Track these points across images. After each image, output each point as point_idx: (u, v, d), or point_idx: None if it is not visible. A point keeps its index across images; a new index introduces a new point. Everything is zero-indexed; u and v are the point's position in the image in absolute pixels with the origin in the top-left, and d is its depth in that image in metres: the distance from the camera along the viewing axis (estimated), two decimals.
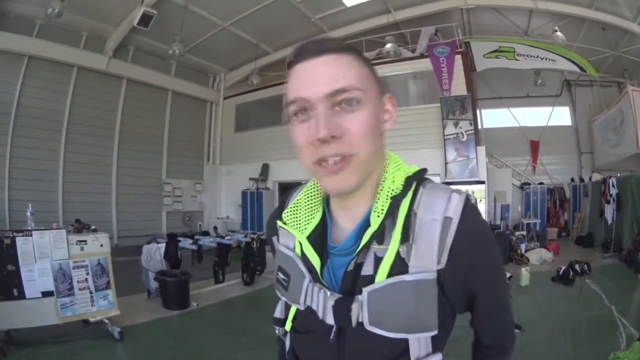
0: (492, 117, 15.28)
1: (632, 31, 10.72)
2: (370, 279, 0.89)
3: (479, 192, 10.48)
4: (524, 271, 8.00)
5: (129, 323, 5.30)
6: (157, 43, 11.85)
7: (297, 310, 1.04)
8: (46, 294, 4.61)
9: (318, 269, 0.95)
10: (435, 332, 0.88)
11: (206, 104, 15.35)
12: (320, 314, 0.95)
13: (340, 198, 0.96)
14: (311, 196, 1.04)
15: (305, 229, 0.98)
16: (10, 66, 9.81)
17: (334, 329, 0.93)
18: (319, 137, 0.82)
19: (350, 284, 0.92)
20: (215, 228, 11.56)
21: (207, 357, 4.58)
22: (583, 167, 14.55)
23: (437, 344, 0.92)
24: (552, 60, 11.52)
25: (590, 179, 13.04)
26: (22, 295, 4.46)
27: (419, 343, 0.89)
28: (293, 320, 1.07)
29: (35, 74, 10.19)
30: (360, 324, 0.89)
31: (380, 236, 0.87)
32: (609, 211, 10.66)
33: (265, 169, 13.51)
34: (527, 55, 11.56)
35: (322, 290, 0.94)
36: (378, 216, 0.88)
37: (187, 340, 5.03)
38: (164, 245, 6.75)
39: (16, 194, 9.63)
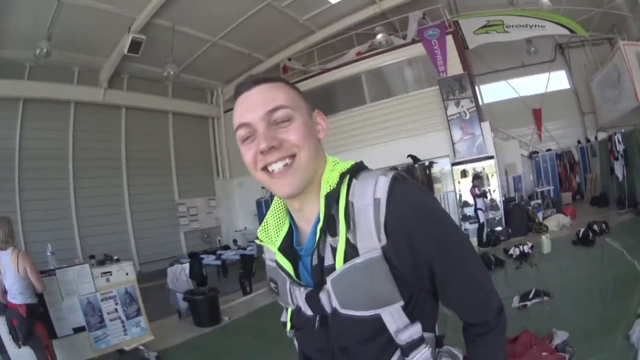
0: (492, 92, 15.34)
1: None
2: (333, 268, 0.99)
3: (489, 168, 10.52)
4: (544, 239, 8.07)
5: (164, 346, 5.39)
6: (150, 67, 11.93)
7: (292, 310, 1.17)
8: (78, 330, 4.73)
9: (291, 272, 1.09)
10: (401, 303, 0.97)
11: (208, 120, 15.50)
12: (303, 309, 1.09)
13: (292, 202, 1.08)
14: (277, 212, 1.19)
15: (276, 241, 1.13)
16: (6, 111, 9.90)
17: (317, 319, 1.07)
18: (261, 149, 0.97)
19: (319, 277, 1.03)
20: (234, 241, 11.68)
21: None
22: (587, 128, 14.57)
23: (426, 322, 1.02)
24: (541, 26, 11.53)
25: (595, 138, 13.04)
26: (54, 335, 4.51)
27: (392, 317, 0.98)
28: (291, 320, 1.20)
29: (32, 116, 10.30)
30: (335, 310, 1.01)
31: (333, 229, 1.00)
32: (619, 167, 10.68)
33: None
34: (516, 26, 11.61)
35: (299, 288, 1.08)
36: (322, 213, 0.99)
37: (225, 355, 5.08)
38: (187, 265, 6.83)
39: (31, 236, 9.63)
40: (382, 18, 12.09)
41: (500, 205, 10.59)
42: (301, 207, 1.07)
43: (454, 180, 10.86)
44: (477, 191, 9.55)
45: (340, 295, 0.99)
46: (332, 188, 1.01)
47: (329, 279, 0.99)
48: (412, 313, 0.99)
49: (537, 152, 14.30)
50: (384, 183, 0.96)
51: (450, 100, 10.72)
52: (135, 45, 9.94)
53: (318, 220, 1.01)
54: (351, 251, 0.97)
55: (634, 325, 3.60)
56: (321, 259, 1.02)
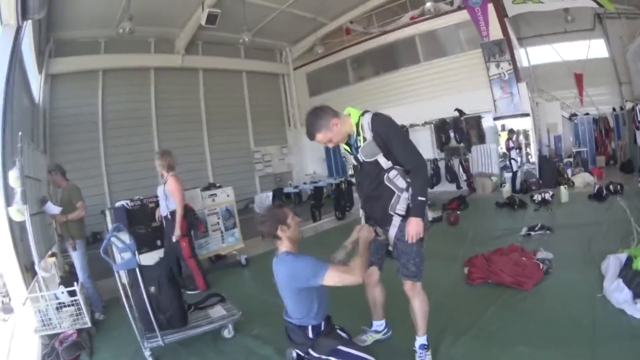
0: (538, 54, 15.57)
1: None
2: (359, 146, 2.94)
3: (526, 123, 11.68)
4: (563, 189, 9.31)
5: (250, 254, 7.17)
6: (224, 34, 13.31)
7: (353, 165, 3.17)
8: None
9: (350, 150, 3.05)
10: (382, 154, 2.84)
11: (278, 77, 17.08)
12: (354, 162, 3.07)
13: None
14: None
15: (345, 144, 3.09)
16: (89, 81, 11.62)
17: (359, 165, 3.05)
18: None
19: (356, 150, 2.97)
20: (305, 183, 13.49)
21: None
22: (624, 98, 14.32)
23: (395, 161, 2.87)
24: None
25: (622, 108, 13.45)
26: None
27: (384, 160, 2.86)
28: (353, 168, 3.24)
29: (115, 83, 12.07)
30: (363, 160, 2.95)
31: (357, 132, 2.94)
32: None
33: None
34: None
35: (352, 155, 3.04)
36: (356, 132, 2.94)
37: None
38: (271, 193, 8.69)
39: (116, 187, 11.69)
40: None
41: (535, 159, 11.68)
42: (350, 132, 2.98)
43: (496, 133, 12.03)
44: (511, 144, 10.83)
45: (363, 154, 2.90)
46: (355, 121, 2.90)
47: (360, 150, 2.89)
48: (387, 158, 2.84)
49: (576, 115, 14.63)
50: (370, 116, 2.86)
51: (492, 62, 11.73)
52: (211, 18, 11.30)
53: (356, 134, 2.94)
54: (364, 140, 2.87)
55: (606, 258, 4.48)
56: (358, 146, 2.94)
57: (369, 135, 2.83)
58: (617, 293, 3.69)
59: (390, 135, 2.83)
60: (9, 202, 4.38)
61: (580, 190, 10.17)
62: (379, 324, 3.53)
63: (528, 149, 11.67)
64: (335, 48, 15.69)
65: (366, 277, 3.10)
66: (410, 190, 2.85)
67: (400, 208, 2.88)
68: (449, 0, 12.85)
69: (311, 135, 2.94)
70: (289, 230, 2.75)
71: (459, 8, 12.37)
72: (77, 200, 5.21)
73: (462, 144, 12.37)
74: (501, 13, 11.85)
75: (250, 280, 6.25)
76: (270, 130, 16.42)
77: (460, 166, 12.43)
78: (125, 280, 3.82)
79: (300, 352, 2.86)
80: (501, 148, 11.82)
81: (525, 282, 4.39)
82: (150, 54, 12.73)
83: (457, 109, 12.14)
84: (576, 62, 15.05)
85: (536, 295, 4.23)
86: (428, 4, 12.34)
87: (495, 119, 11.97)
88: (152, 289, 3.59)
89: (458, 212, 8.66)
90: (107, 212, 5.76)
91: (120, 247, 3.63)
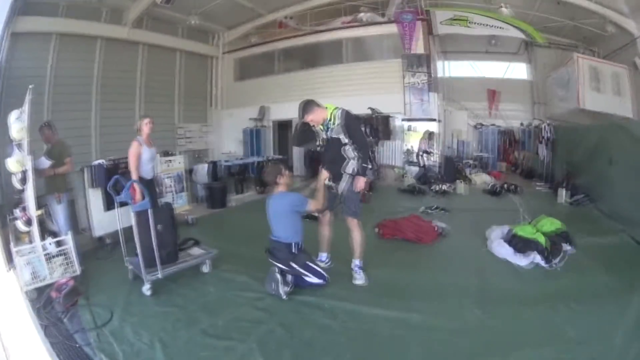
0: (457, 67, 17.36)
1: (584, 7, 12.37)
2: (331, 128, 4.72)
3: (432, 127, 13.64)
4: (459, 183, 11.32)
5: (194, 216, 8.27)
6: (170, 12, 13.86)
7: (323, 139, 4.96)
8: None
9: (324, 129, 4.83)
10: (347, 140, 4.65)
11: (208, 58, 17.71)
12: (325, 137, 4.90)
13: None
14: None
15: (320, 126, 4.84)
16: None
17: (327, 139, 4.85)
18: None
19: (329, 131, 4.76)
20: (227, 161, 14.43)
21: (243, 223, 7.92)
22: (535, 116, 16.23)
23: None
24: (501, 28, 13.73)
25: (530, 124, 15.77)
26: None
27: (344, 138, 4.66)
28: (322, 142, 5.08)
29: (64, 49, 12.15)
30: (330, 137, 4.75)
31: (332, 120, 4.72)
32: (542, 150, 13.09)
33: (262, 110, 16.46)
34: (479, 24, 13.80)
35: (325, 133, 4.84)
36: (329, 119, 4.66)
37: (231, 220, 8.36)
38: (206, 165, 9.73)
39: None
40: None
41: (437, 158, 13.71)
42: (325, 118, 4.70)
43: (403, 132, 13.98)
44: (424, 144, 13.02)
45: (333, 133, 4.70)
46: (331, 112, 4.66)
47: (331, 130, 4.68)
48: (346, 137, 4.64)
49: (482, 125, 16.65)
50: (342, 111, 4.71)
51: (409, 71, 13.62)
52: None
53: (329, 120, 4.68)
54: (334, 124, 4.66)
55: (490, 227, 6.42)
56: (330, 129, 4.71)
57: (339, 122, 4.64)
58: (500, 248, 5.62)
59: (352, 125, 4.69)
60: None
61: (479, 187, 12.07)
62: (324, 256, 5.09)
63: (433, 149, 13.62)
64: (267, 39, 16.80)
65: (322, 216, 4.89)
66: (357, 159, 4.61)
67: (349, 169, 4.66)
68: (381, 12, 14.45)
69: (302, 116, 4.72)
70: (282, 178, 4.56)
71: (390, 21, 14.03)
72: (67, 155, 5.91)
73: (371, 138, 13.64)
74: (428, 31, 13.68)
75: (201, 235, 6.95)
76: (193, 109, 17.12)
77: None
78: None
79: (282, 266, 4.30)
80: (406, 145, 13.82)
81: (424, 238, 6.24)
82: (100, 22, 12.85)
83: (370, 107, 13.70)
84: (492, 80, 16.89)
85: (433, 248, 6.11)
86: (362, 14, 13.93)
87: (404, 120, 13.87)
88: (159, 227, 4.59)
89: (367, 192, 9.88)
90: (85, 170, 6.43)
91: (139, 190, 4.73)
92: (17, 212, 5.14)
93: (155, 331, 3.73)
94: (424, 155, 13.11)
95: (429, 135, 13.22)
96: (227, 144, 17.64)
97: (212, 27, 16.69)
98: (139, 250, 4.43)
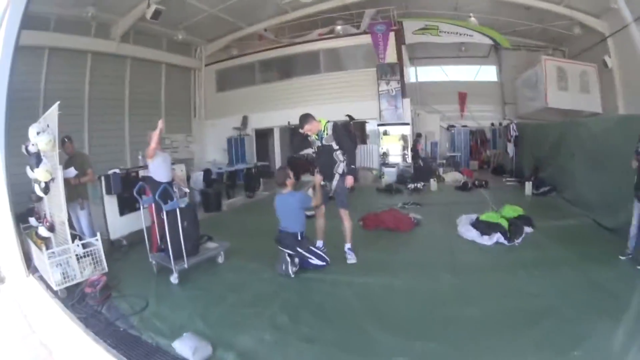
0: (428, 73, 18.61)
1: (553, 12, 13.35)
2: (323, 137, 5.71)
3: (405, 130, 14.72)
4: (432, 181, 12.33)
5: None
6: (156, 27, 14.32)
7: (318, 147, 5.83)
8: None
9: (318, 139, 5.78)
10: (337, 147, 5.71)
11: (190, 71, 18.39)
12: (320, 145, 5.81)
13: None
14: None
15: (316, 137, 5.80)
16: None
17: (321, 147, 5.80)
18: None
19: (322, 139, 5.73)
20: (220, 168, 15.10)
21: (240, 224, 8.83)
22: (506, 116, 17.19)
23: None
24: (469, 35, 14.82)
25: (500, 124, 16.93)
26: None
27: (334, 144, 5.71)
28: (316, 150, 5.89)
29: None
30: (323, 144, 5.74)
31: (324, 131, 5.72)
32: (510, 148, 14.19)
33: (245, 119, 17.27)
34: (448, 32, 14.86)
35: (319, 142, 5.78)
36: (323, 130, 5.57)
37: (225, 220, 9.26)
38: (202, 172, 10.59)
39: None
40: (344, 9, 15.25)
41: (411, 159, 14.72)
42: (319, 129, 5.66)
43: (379, 136, 15.00)
44: (419, 146, 14.21)
45: (325, 141, 5.70)
46: (324, 125, 5.64)
47: (324, 138, 5.66)
48: (336, 144, 5.66)
49: (454, 126, 17.82)
50: (332, 124, 5.73)
51: (383, 80, 14.69)
52: (156, 14, 12.50)
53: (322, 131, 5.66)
54: (326, 134, 5.66)
55: (459, 217, 7.51)
56: (322, 137, 5.66)
57: (329, 132, 5.65)
58: (468, 232, 6.68)
59: (340, 134, 5.71)
60: (32, 165, 5.26)
61: (451, 184, 13.00)
62: (320, 243, 5.95)
63: (406, 150, 14.70)
64: (246, 51, 17.67)
65: (318, 211, 5.82)
66: (346, 162, 5.65)
67: (339, 170, 5.68)
68: (356, 24, 15.47)
69: (301, 126, 5.65)
70: (290, 180, 5.46)
71: (364, 32, 15.08)
72: (88, 166, 6.69)
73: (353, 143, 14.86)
74: (400, 41, 14.77)
75: None
76: (178, 120, 17.66)
77: None
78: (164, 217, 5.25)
79: (290, 251, 5.23)
80: (381, 149, 14.92)
81: (402, 227, 7.33)
82: (90, 37, 13.26)
83: (347, 115, 14.26)
84: (463, 83, 18.04)
85: (410, 234, 7.19)
86: (338, 27, 14.92)
87: (379, 125, 14.91)
88: (185, 223, 5.40)
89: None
90: (102, 178, 7.12)
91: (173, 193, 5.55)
92: (33, 220, 5.72)
93: (190, 309, 4.41)
94: (418, 153, 14.28)
95: (419, 138, 14.55)
96: (211, 153, 18.29)
97: (194, 40, 17.30)
98: (169, 243, 5.20)
